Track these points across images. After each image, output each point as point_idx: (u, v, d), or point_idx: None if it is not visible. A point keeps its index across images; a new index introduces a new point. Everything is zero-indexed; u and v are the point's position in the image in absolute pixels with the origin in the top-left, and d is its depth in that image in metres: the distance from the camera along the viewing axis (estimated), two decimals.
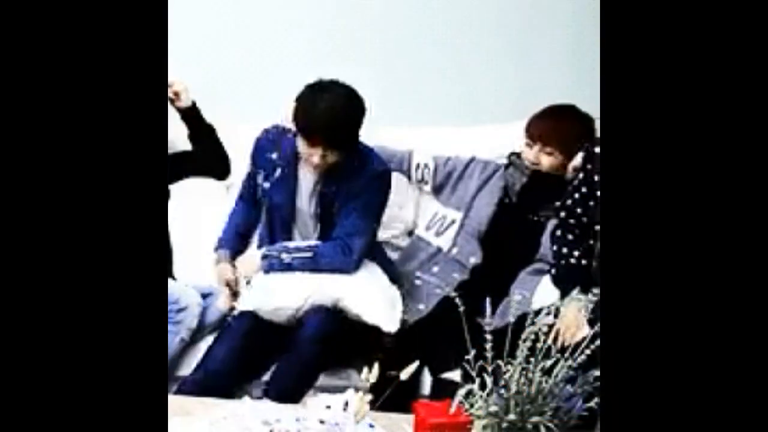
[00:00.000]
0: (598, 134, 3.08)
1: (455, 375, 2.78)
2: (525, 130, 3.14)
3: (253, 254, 3.05)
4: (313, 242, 3.01)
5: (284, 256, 2.96)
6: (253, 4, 3.66)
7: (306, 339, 2.87)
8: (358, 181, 2.97)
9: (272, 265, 2.96)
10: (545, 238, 3.08)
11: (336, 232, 2.98)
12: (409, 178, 3.36)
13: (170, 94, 3.12)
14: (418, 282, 3.12)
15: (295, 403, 2.52)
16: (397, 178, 3.34)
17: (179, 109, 3.19)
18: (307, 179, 3.01)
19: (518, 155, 3.19)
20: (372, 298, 2.95)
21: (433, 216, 3.28)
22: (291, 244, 3.01)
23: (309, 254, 2.96)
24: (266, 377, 2.94)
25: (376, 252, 3.11)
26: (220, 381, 2.84)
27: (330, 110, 2.81)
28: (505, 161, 3.23)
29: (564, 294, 2.58)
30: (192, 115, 3.19)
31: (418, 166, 3.34)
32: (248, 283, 2.99)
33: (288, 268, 2.95)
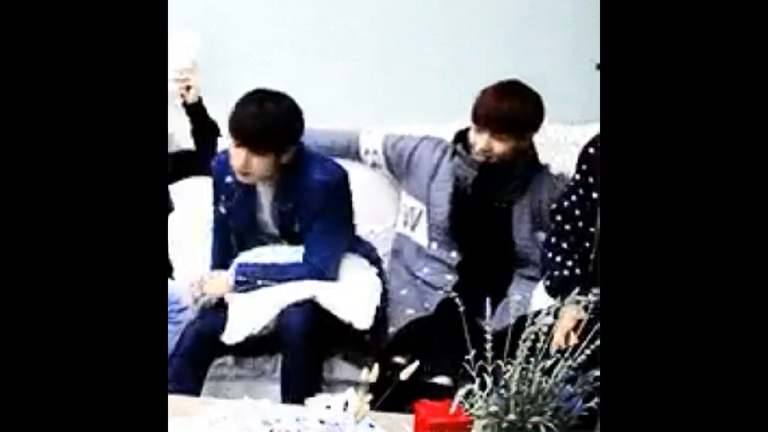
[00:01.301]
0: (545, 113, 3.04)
1: (444, 380, 2.78)
2: (472, 114, 2.99)
3: (221, 276, 3.01)
4: (283, 260, 3.00)
5: (259, 282, 2.95)
6: (253, 5, 3.65)
7: (293, 338, 2.88)
8: (314, 196, 2.96)
9: (246, 290, 2.96)
10: (517, 229, 3.06)
11: (307, 254, 2.99)
12: (361, 161, 3.29)
13: (182, 87, 3.15)
14: (418, 281, 3.12)
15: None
16: (379, 174, 3.33)
17: (186, 104, 3.21)
18: (266, 197, 3.02)
19: (464, 138, 3.06)
20: (345, 295, 2.96)
21: (404, 207, 3.22)
22: (261, 261, 3.01)
23: (282, 280, 2.95)
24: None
25: (355, 245, 3.12)
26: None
27: (254, 114, 2.85)
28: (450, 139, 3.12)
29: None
30: (197, 111, 3.22)
31: (366, 151, 3.27)
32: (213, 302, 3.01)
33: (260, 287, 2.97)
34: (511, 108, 2.96)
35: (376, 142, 3.26)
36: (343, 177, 3.03)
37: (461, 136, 3.10)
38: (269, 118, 2.86)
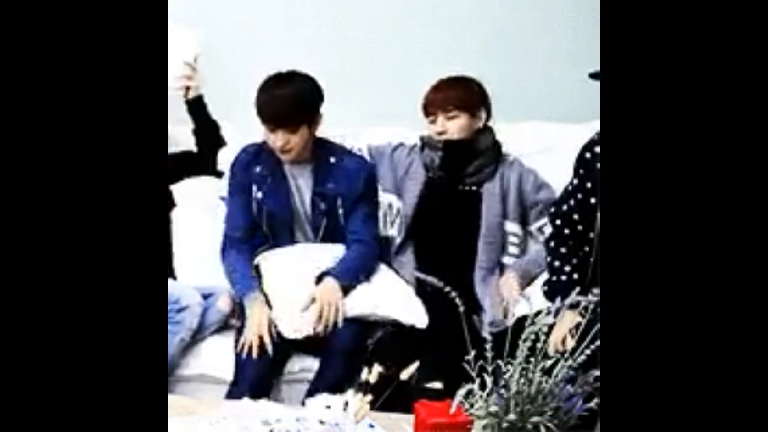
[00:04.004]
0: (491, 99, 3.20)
1: (438, 384, 2.78)
2: (423, 110, 3.21)
3: (329, 284, 2.99)
4: (352, 256, 3.09)
5: (359, 278, 3.03)
6: (246, 6, 3.65)
7: (339, 351, 2.92)
8: (358, 181, 3.12)
9: (352, 289, 3.01)
10: (487, 208, 3.17)
11: (357, 235, 3.11)
12: None
13: (182, 83, 3.16)
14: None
15: None
16: None
17: (186, 102, 3.23)
18: (300, 182, 3.12)
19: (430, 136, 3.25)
20: (401, 301, 3.03)
21: (386, 206, 3.29)
22: (335, 254, 3.07)
23: (364, 271, 3.06)
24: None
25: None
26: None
27: (282, 95, 3.00)
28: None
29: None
30: (198, 109, 3.24)
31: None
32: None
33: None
34: (454, 91, 3.20)
35: (361, 146, 3.36)
36: (374, 168, 3.23)
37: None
38: (296, 94, 3.01)
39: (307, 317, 2.93)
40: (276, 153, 3.07)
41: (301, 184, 3.13)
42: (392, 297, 3.04)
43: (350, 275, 3.02)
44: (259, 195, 3.10)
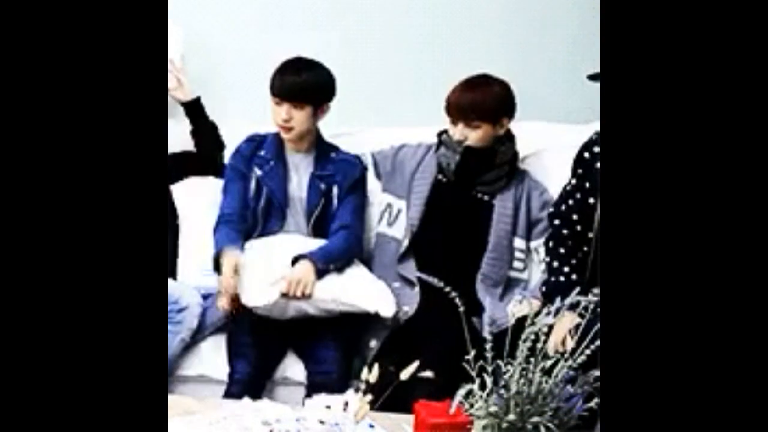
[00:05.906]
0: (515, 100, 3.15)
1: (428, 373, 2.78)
2: (445, 110, 3.14)
3: (306, 268, 3.01)
4: (336, 242, 3.13)
5: (332, 266, 3.05)
6: (247, 6, 3.65)
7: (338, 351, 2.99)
8: (354, 174, 3.21)
9: (324, 276, 3.03)
10: (496, 221, 3.13)
11: (344, 221, 3.16)
12: None
13: (172, 83, 3.17)
14: (396, 281, 3.14)
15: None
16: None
17: (183, 104, 3.24)
18: (300, 168, 3.20)
19: (447, 132, 3.19)
20: (367, 289, 3.06)
21: (385, 206, 3.28)
22: (319, 245, 3.10)
23: (345, 258, 3.11)
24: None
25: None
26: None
27: (297, 74, 3.13)
28: (434, 140, 3.25)
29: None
30: (196, 111, 3.24)
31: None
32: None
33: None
34: (476, 97, 3.11)
35: (364, 151, 3.34)
36: (366, 168, 3.29)
37: (446, 132, 3.22)
38: (306, 73, 3.14)
39: (273, 289, 2.96)
40: (281, 135, 3.16)
41: (301, 170, 3.20)
42: (360, 286, 3.05)
43: (326, 259, 3.04)
44: (259, 173, 3.17)
